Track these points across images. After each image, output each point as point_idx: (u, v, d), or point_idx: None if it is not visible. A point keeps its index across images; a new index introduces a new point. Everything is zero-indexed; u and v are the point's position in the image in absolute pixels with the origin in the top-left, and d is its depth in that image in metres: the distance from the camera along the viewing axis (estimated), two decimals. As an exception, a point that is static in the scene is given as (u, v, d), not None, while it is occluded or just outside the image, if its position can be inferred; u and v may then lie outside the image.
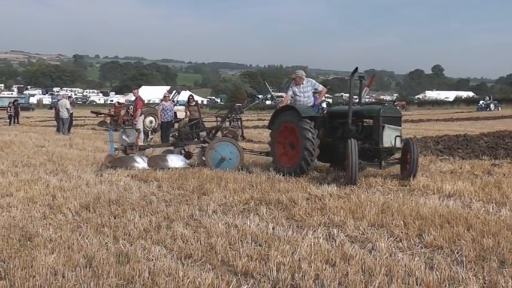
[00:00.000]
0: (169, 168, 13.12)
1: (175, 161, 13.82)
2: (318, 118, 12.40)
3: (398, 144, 11.40)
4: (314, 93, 13.83)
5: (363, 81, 13.08)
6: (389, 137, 11.29)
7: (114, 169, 13.08)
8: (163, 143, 15.52)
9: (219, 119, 21.80)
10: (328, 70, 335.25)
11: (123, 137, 14.64)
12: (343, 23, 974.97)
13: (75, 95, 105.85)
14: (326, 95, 20.63)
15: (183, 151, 14.52)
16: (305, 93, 13.58)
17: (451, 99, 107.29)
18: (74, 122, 32.10)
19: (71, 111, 30.95)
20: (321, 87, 14.01)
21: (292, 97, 13.76)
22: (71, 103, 32.19)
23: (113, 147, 14.47)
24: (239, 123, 14.01)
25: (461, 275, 5.47)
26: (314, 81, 14.12)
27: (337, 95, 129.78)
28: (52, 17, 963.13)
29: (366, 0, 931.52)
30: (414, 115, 55.67)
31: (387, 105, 12.08)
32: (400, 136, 11.41)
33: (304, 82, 13.64)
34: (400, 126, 11.62)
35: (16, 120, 42.53)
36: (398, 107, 74.62)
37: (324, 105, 16.36)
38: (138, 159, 13.81)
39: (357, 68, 11.99)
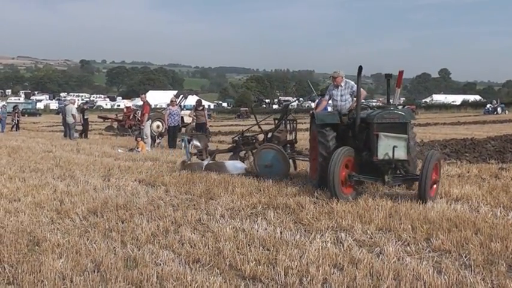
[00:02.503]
0: (231, 174, 12.81)
1: (233, 166, 13.52)
2: (339, 125, 10.80)
3: (402, 155, 9.72)
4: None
5: (390, 81, 11.15)
6: (386, 147, 9.70)
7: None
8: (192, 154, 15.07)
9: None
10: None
11: (195, 142, 14.66)
12: (350, 28, 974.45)
13: (82, 100, 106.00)
14: None
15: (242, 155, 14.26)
16: (342, 96, 12.16)
17: (458, 102, 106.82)
18: (80, 127, 32.12)
19: (86, 117, 31.14)
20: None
21: (332, 101, 12.52)
22: (86, 109, 32.18)
23: (188, 153, 14.46)
24: (291, 126, 13.26)
25: (469, 279, 5.46)
26: (353, 82, 12.10)
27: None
28: (59, 22, 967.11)
29: (374, 4, 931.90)
30: (421, 119, 55.47)
31: (388, 110, 10.37)
32: (406, 146, 9.80)
33: (343, 84, 12.16)
34: (406, 133, 9.87)
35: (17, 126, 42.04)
36: None
37: None
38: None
39: (361, 67, 10.48)
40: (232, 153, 14.54)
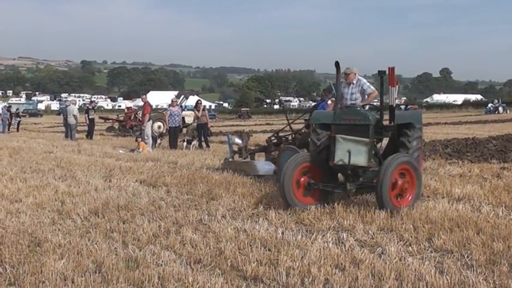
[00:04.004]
0: (259, 175, 12.59)
1: (262, 167, 13.18)
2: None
3: (360, 161, 8.72)
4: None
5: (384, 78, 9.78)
6: (343, 151, 8.71)
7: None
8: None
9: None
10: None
11: (236, 140, 14.64)
12: (351, 27, 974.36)
13: (83, 100, 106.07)
14: None
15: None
16: (352, 94, 11.00)
17: (459, 102, 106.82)
18: (81, 128, 32.12)
19: (91, 117, 30.86)
20: (370, 90, 10.95)
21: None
22: (90, 109, 31.94)
23: (232, 151, 14.43)
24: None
25: (471, 279, 5.45)
26: (364, 80, 11.18)
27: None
28: (60, 23, 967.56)
29: (374, 4, 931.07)
30: (423, 118, 55.48)
31: (350, 110, 9.61)
32: (368, 151, 8.78)
33: (355, 81, 11.04)
34: (368, 137, 8.89)
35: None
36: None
37: None
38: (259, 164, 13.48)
39: (337, 62, 9.77)
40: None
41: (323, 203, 9.06)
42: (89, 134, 30.35)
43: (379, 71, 9.54)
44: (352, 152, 8.63)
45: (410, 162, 8.94)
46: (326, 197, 9.31)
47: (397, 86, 10.10)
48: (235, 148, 14.56)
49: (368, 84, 11.07)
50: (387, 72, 9.42)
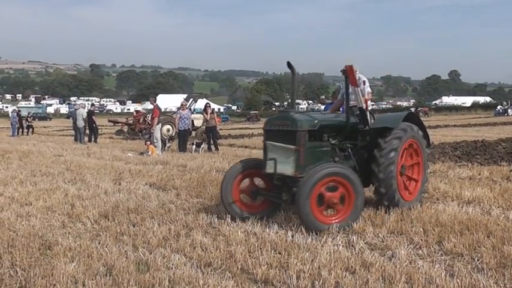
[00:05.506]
0: None
1: None
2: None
3: (287, 170, 8.10)
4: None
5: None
6: (272, 159, 8.26)
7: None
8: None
9: None
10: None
11: None
12: (359, 30, 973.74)
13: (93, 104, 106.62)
14: None
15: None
16: (352, 95, 9.66)
17: (468, 104, 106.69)
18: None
19: (94, 124, 30.80)
20: (366, 91, 10.19)
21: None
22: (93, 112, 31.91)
23: None
24: None
25: (482, 282, 5.43)
26: (364, 79, 10.27)
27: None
28: (68, 27, 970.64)
29: (382, 6, 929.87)
30: (431, 121, 55.44)
31: (283, 113, 8.85)
32: (296, 160, 8.11)
33: None
34: (294, 144, 8.15)
35: (21, 131, 41.99)
36: (421, 114, 72.45)
37: None
38: None
39: (288, 63, 8.69)
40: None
41: (271, 212, 8.69)
42: (93, 138, 30.35)
43: (341, 70, 8.89)
44: (278, 160, 8.15)
45: (344, 174, 7.90)
46: (276, 206, 8.88)
47: (365, 86, 9.78)
48: None
49: (367, 84, 10.34)
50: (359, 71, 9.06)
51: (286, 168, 8.10)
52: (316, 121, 8.55)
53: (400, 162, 8.86)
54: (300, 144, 8.13)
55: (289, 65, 8.68)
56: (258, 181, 9.18)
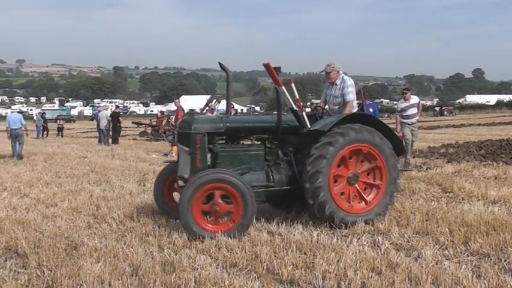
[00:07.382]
0: None
1: None
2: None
3: (183, 172, 8.02)
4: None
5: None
6: (178, 161, 8.33)
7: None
8: None
9: None
10: (367, 76, 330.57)
11: None
12: (382, 29, 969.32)
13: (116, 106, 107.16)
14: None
15: None
16: (336, 98, 9.39)
17: (492, 103, 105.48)
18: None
19: (119, 124, 31.21)
20: (348, 98, 9.20)
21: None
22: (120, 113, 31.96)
23: None
24: None
25: (509, 283, 5.39)
26: (349, 82, 9.30)
27: (377, 101, 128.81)
28: (92, 30, 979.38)
29: (403, 5, 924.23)
30: (456, 120, 55.03)
31: (189, 115, 8.82)
32: (193, 163, 8.00)
33: (338, 82, 9.37)
34: (188, 146, 8.09)
35: (46, 133, 42.57)
36: (445, 113, 71.33)
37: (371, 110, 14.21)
38: None
39: (220, 63, 8.88)
40: None
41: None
42: (114, 139, 30.57)
43: (274, 68, 8.36)
44: (180, 162, 8.13)
45: (230, 181, 7.49)
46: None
47: (348, 91, 9.08)
48: None
49: (351, 89, 9.24)
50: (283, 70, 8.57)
51: (185, 170, 8.01)
52: (221, 124, 8.42)
53: (337, 171, 8.02)
54: (195, 147, 8.02)
55: (221, 66, 8.74)
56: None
